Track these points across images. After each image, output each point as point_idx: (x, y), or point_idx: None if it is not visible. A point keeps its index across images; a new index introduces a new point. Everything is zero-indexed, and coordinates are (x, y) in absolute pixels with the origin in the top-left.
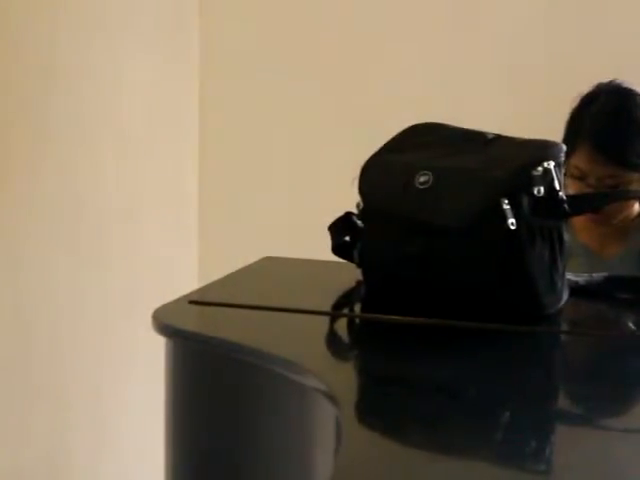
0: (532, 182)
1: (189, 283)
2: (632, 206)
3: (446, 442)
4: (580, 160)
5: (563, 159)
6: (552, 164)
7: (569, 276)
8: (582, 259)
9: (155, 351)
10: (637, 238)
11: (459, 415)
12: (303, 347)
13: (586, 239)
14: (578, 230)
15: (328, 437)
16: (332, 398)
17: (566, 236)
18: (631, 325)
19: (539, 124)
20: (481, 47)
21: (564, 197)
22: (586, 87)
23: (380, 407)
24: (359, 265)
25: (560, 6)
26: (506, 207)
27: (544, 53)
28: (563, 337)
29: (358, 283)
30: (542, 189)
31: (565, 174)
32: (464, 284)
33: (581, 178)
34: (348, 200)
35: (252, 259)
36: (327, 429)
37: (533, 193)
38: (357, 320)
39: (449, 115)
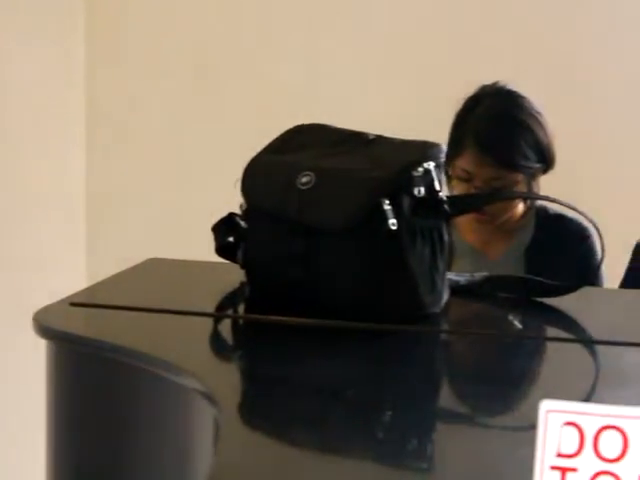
0: (412, 183)
1: (76, 284)
2: (516, 206)
3: (328, 442)
4: (466, 162)
5: (443, 160)
6: (432, 165)
7: (450, 276)
8: (468, 259)
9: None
10: (521, 238)
11: (341, 415)
12: (185, 348)
13: (471, 239)
14: (463, 230)
15: (208, 439)
16: (211, 399)
17: (446, 236)
18: (511, 324)
19: (420, 124)
20: (367, 47)
21: (444, 197)
22: (471, 90)
23: (261, 408)
24: (243, 266)
25: (440, 9)
26: (387, 207)
27: (429, 53)
28: (444, 336)
29: (242, 284)
30: (422, 190)
31: (451, 176)
32: (346, 285)
33: (468, 180)
34: (234, 201)
35: (140, 259)
36: (207, 431)
37: (414, 193)
38: (241, 321)
39: (333, 115)
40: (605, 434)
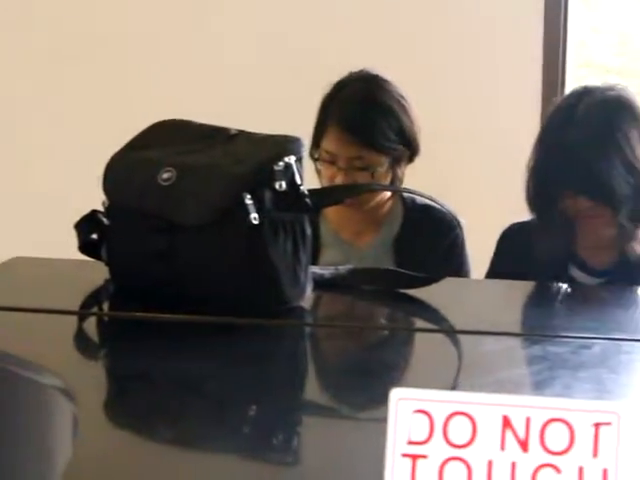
0: (273, 177)
1: None
2: (384, 193)
3: (187, 437)
4: (330, 143)
5: (303, 154)
6: (293, 159)
7: (315, 269)
8: (337, 250)
9: None
10: (389, 228)
11: (201, 410)
12: (47, 347)
13: (340, 229)
14: (332, 221)
15: (69, 436)
16: (70, 396)
17: (308, 230)
18: (376, 316)
19: (290, 116)
20: (241, 41)
21: (305, 191)
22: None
23: (121, 404)
24: (107, 263)
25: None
26: (248, 202)
27: (300, 45)
28: (308, 329)
29: (107, 281)
30: (284, 184)
31: (318, 159)
32: (209, 279)
33: (332, 162)
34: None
35: (4, 258)
36: (67, 428)
37: (275, 188)
38: (105, 318)
39: (198, 109)
40: (454, 420)
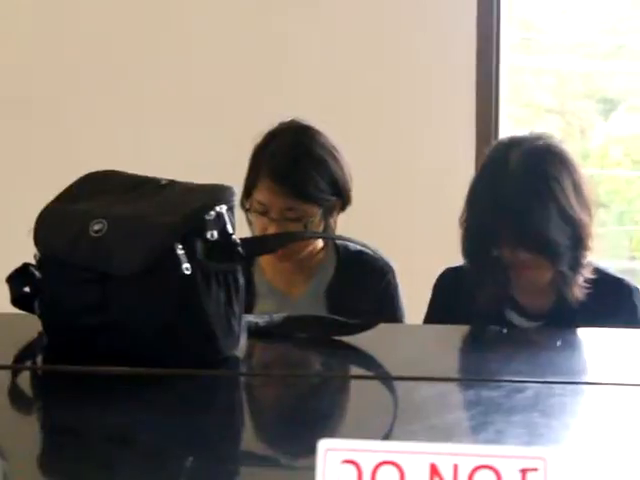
0: (205, 226)
1: None
2: (314, 243)
3: None
4: (262, 195)
5: (235, 203)
6: (224, 208)
7: (249, 318)
8: (270, 299)
9: None
10: (322, 276)
11: (137, 462)
12: None
13: (273, 279)
14: (265, 270)
15: None
16: (3, 451)
17: (241, 279)
18: (310, 365)
19: (223, 164)
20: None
21: (237, 240)
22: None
23: (52, 458)
24: (40, 316)
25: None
26: (180, 252)
27: (229, 93)
28: (243, 379)
29: (40, 334)
30: (215, 233)
31: (249, 210)
32: (142, 331)
33: (264, 213)
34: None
35: None
36: None
37: (206, 237)
38: (39, 372)
39: (134, 160)
40: (382, 470)
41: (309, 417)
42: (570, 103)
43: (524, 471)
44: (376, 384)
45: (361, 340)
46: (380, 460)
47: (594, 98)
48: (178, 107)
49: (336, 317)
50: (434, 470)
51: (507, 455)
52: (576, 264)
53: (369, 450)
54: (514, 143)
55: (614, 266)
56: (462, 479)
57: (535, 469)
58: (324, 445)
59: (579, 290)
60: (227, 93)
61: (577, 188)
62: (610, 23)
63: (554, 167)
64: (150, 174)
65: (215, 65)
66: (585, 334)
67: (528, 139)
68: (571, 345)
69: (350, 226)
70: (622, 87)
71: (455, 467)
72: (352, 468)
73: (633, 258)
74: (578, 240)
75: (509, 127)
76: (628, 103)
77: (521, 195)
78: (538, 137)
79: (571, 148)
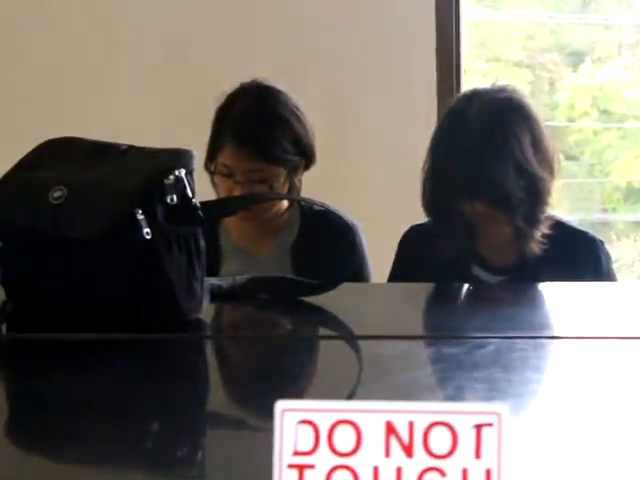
0: (164, 191)
1: None
2: (279, 203)
3: (91, 456)
4: (226, 157)
5: (194, 166)
6: (183, 172)
7: (212, 280)
8: (236, 259)
9: None
10: (287, 236)
11: (103, 428)
12: None
13: (238, 239)
14: (231, 230)
15: None
16: None
17: (202, 242)
18: (274, 326)
19: (185, 127)
20: (121, 49)
21: (197, 204)
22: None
23: (17, 426)
24: (2, 283)
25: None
26: (140, 217)
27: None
28: (207, 342)
29: (4, 302)
30: (175, 197)
31: (214, 172)
32: (105, 296)
33: (229, 175)
34: None
35: None
36: None
37: (166, 201)
38: (3, 340)
39: (85, 125)
40: (339, 429)
41: (272, 379)
42: (539, 56)
43: (479, 426)
44: (340, 344)
45: (325, 300)
46: (336, 419)
47: (563, 51)
48: (137, 72)
49: (300, 278)
50: (390, 428)
51: (462, 411)
52: (533, 219)
53: (325, 410)
54: (476, 95)
55: (586, 218)
56: (417, 436)
57: (490, 424)
58: (281, 406)
59: (537, 245)
60: (186, 56)
61: (536, 143)
62: None
63: (513, 121)
64: (111, 139)
65: (172, 27)
66: (548, 288)
67: (490, 92)
68: (534, 300)
69: (315, 184)
70: (589, 39)
71: (410, 424)
72: (309, 428)
73: (604, 210)
74: (535, 195)
75: (477, 82)
76: (596, 54)
77: (478, 147)
78: (500, 90)
79: (540, 100)
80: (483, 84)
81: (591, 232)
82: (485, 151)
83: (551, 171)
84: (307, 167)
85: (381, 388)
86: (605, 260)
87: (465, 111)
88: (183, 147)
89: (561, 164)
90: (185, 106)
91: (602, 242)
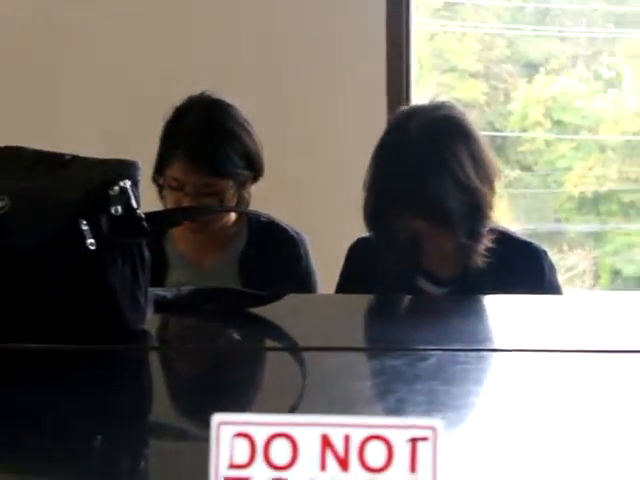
0: (109, 202)
1: None
2: (227, 214)
3: (28, 471)
4: (176, 171)
5: (139, 177)
6: (128, 183)
7: (157, 291)
8: (182, 270)
9: None
10: (234, 246)
11: (43, 442)
12: None
13: (186, 250)
14: (178, 241)
15: None
16: None
17: (147, 253)
18: (219, 337)
19: (129, 139)
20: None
21: (142, 215)
22: (178, 100)
23: None
24: None
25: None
26: (84, 228)
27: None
28: (152, 353)
29: None
30: (119, 208)
31: (162, 185)
32: (49, 307)
33: (178, 188)
34: None
35: None
36: None
37: (111, 212)
38: None
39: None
40: (275, 442)
41: (214, 391)
42: (494, 67)
43: (414, 440)
44: (284, 355)
45: (270, 311)
46: (272, 432)
47: (518, 62)
48: (83, 82)
49: (245, 289)
50: (326, 441)
51: (397, 425)
52: (475, 233)
53: (261, 423)
54: (414, 112)
55: (539, 228)
56: (353, 449)
57: (425, 438)
58: (217, 419)
59: (480, 258)
60: (134, 70)
61: (476, 158)
62: None
63: (451, 138)
64: (56, 149)
65: (121, 38)
66: (491, 300)
67: (428, 109)
68: (477, 312)
69: (264, 196)
70: (545, 51)
71: (346, 438)
72: (245, 441)
73: (558, 220)
74: (476, 209)
75: (433, 92)
76: (550, 66)
77: (417, 165)
78: (438, 107)
79: (495, 111)
80: (421, 101)
81: (535, 243)
82: (425, 169)
83: (491, 185)
84: (255, 180)
85: (322, 400)
86: (549, 270)
87: (404, 128)
88: (129, 158)
89: (513, 175)
90: (133, 117)
91: (545, 252)
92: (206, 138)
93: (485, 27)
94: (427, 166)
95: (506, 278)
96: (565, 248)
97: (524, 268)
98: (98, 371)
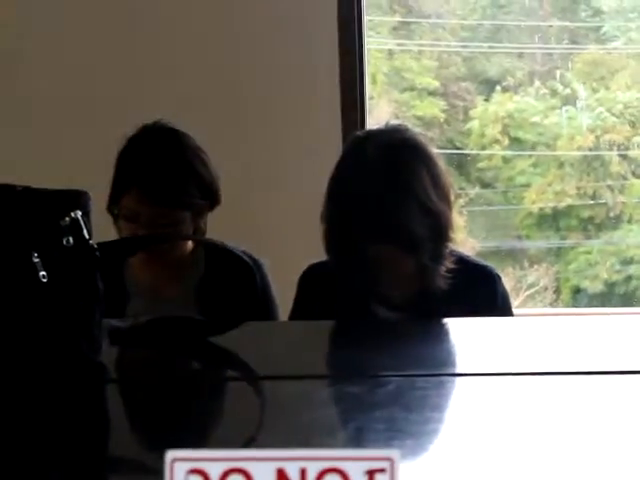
0: (60, 233)
1: None
2: (184, 243)
3: None
4: (131, 202)
5: (90, 208)
6: (79, 213)
7: (112, 322)
8: (141, 299)
9: None
10: (192, 275)
11: None
12: None
13: (144, 279)
14: (135, 270)
15: None
16: None
17: (100, 284)
18: (176, 367)
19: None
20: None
21: (94, 245)
22: (131, 129)
23: None
24: None
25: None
26: (36, 260)
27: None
28: (108, 386)
29: None
30: (71, 239)
31: (118, 215)
32: (3, 340)
33: (133, 219)
34: None
35: None
36: None
37: (62, 244)
38: None
39: None
40: (230, 478)
41: (171, 423)
42: (452, 85)
43: (371, 472)
44: (242, 385)
45: (228, 340)
46: (227, 468)
47: (476, 79)
48: (36, 110)
49: (202, 318)
50: (282, 475)
51: (354, 457)
52: (437, 255)
53: (216, 459)
54: (370, 137)
55: (501, 245)
56: None
57: (382, 470)
58: (171, 455)
59: (442, 280)
60: (84, 97)
61: (435, 180)
62: (489, 5)
63: (410, 160)
64: (4, 180)
65: (63, 65)
66: (449, 324)
67: (385, 132)
68: (435, 336)
69: (220, 224)
70: (501, 67)
71: (303, 471)
72: (199, 478)
73: (519, 237)
74: (438, 231)
75: (391, 111)
76: (507, 82)
77: (378, 190)
78: (394, 130)
79: (455, 128)
80: (375, 126)
81: (490, 266)
82: (385, 193)
83: (450, 205)
84: (212, 208)
85: (280, 431)
86: (502, 294)
87: (362, 152)
88: (79, 188)
89: (474, 192)
90: (85, 146)
91: (499, 277)
92: (160, 169)
93: (441, 45)
94: (388, 189)
95: (462, 301)
96: (526, 265)
97: (480, 291)
98: (52, 403)
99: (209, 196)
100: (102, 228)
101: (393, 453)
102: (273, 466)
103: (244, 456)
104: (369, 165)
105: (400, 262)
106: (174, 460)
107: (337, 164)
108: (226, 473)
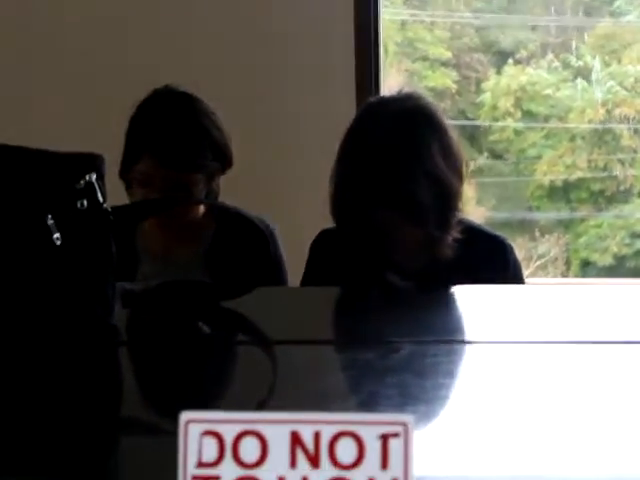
0: (75, 195)
1: None
2: (198, 207)
3: None
4: (144, 167)
5: (105, 171)
6: (94, 176)
7: (124, 285)
8: (151, 264)
9: None
10: (203, 239)
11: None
12: None
13: (155, 243)
14: (146, 234)
15: None
16: None
17: (114, 247)
18: (188, 330)
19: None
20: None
21: (108, 209)
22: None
23: None
24: None
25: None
26: (50, 222)
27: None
28: (121, 348)
29: None
30: (85, 202)
31: (130, 181)
32: (14, 306)
33: (147, 184)
34: None
35: None
36: None
37: (77, 207)
38: None
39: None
40: (244, 440)
41: (184, 386)
42: (465, 56)
43: (385, 437)
44: (255, 349)
45: (239, 304)
46: (241, 430)
47: (489, 51)
48: (52, 76)
49: (214, 282)
50: (295, 438)
51: (368, 421)
52: (444, 224)
53: (230, 421)
54: (384, 103)
55: (511, 216)
56: (323, 446)
57: (396, 434)
58: (185, 417)
59: (449, 249)
60: (97, 64)
61: (446, 150)
62: None
63: (421, 128)
64: (23, 142)
65: (85, 28)
66: (460, 292)
67: (397, 100)
68: (446, 304)
69: (233, 187)
70: (515, 39)
71: (316, 434)
72: (213, 439)
73: (530, 208)
74: (445, 200)
75: (402, 81)
76: (520, 55)
77: (387, 156)
78: (407, 98)
79: (467, 100)
80: (389, 92)
81: (502, 236)
82: (394, 160)
83: (460, 176)
84: (224, 171)
85: (292, 395)
86: (513, 264)
87: (374, 119)
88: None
89: (485, 163)
90: (99, 110)
91: (512, 247)
92: (173, 132)
93: (454, 16)
94: (398, 156)
95: (473, 271)
96: (537, 235)
97: (492, 261)
98: (66, 366)
99: (222, 158)
100: (114, 195)
101: (407, 418)
102: (287, 429)
103: (258, 418)
104: (380, 129)
105: (407, 230)
106: (188, 422)
107: (348, 128)
108: (240, 435)
